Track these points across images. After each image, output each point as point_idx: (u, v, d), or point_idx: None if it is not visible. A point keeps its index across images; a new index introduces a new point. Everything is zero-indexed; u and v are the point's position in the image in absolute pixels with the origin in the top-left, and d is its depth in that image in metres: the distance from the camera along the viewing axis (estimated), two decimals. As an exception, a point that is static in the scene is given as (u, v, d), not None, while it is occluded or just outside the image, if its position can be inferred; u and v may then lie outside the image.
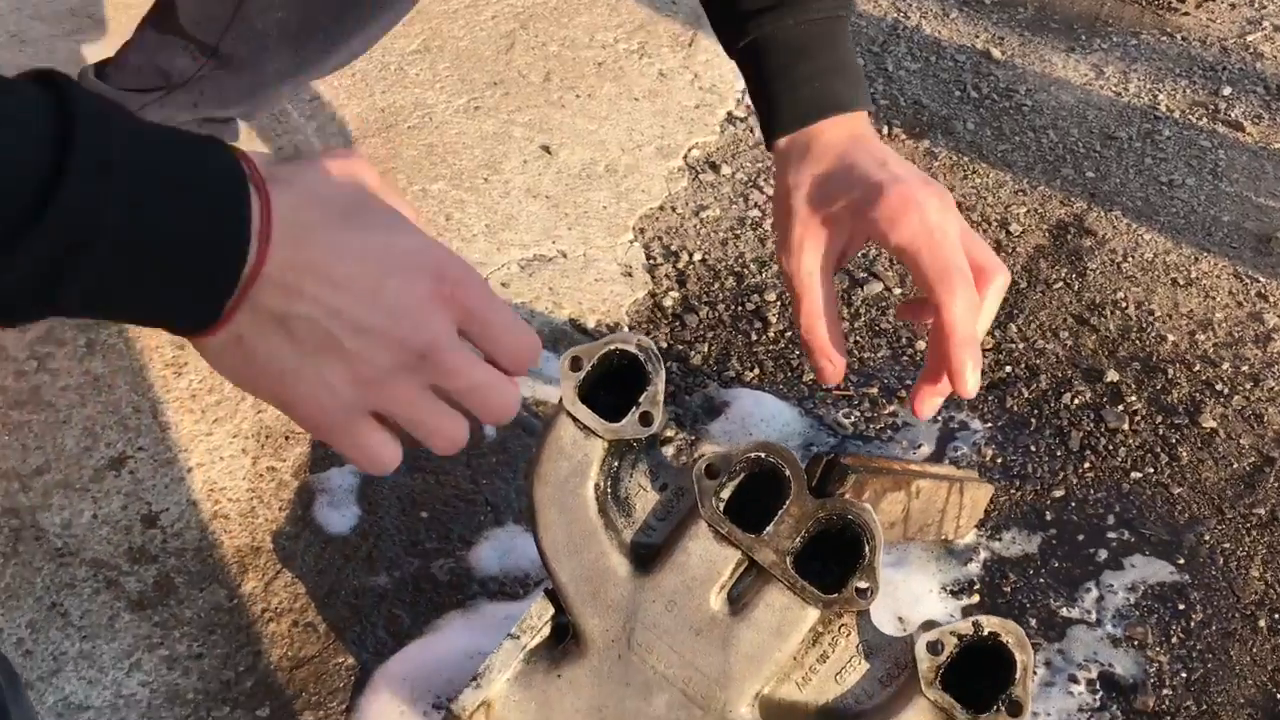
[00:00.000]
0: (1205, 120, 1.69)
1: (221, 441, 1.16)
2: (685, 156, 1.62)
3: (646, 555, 0.80)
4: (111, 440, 1.15)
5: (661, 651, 0.78)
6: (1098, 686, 1.00)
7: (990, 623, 0.72)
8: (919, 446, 1.22)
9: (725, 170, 1.59)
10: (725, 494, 0.77)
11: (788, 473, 0.76)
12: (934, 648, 0.72)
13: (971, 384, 0.78)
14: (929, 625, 0.80)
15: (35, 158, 0.46)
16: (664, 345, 1.33)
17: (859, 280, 1.43)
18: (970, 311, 0.77)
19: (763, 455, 0.76)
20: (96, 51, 1.58)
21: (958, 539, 1.11)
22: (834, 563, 0.77)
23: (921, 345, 1.34)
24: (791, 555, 0.76)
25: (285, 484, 1.13)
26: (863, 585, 0.74)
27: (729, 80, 1.73)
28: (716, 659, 0.77)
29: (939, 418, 1.25)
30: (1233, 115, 1.70)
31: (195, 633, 1.01)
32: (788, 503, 0.75)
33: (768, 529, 0.75)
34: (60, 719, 0.94)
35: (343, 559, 1.08)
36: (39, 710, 0.93)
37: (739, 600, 0.78)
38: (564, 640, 0.82)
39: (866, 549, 0.74)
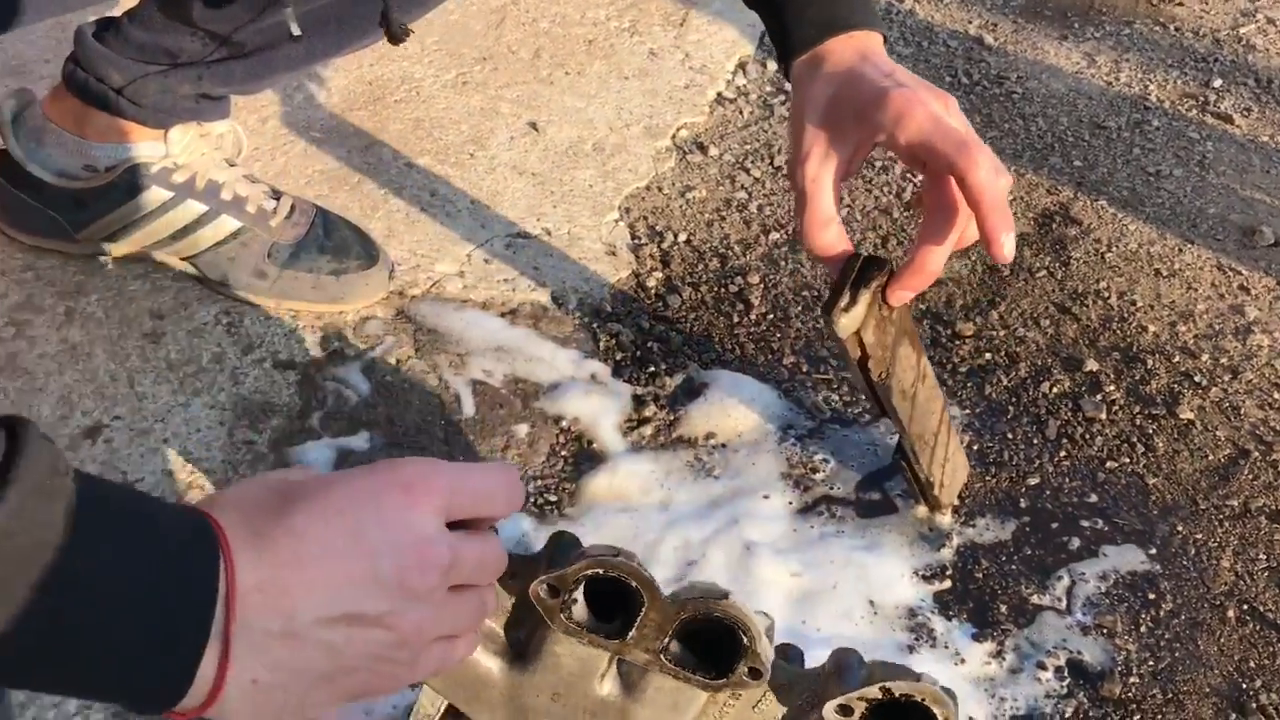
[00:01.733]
0: (1195, 111, 1.69)
1: (198, 412, 1.16)
2: (673, 136, 1.61)
3: (523, 646, 0.74)
4: (88, 409, 1.14)
5: None
6: (1065, 674, 1.00)
7: (900, 688, 0.69)
8: (895, 432, 1.22)
9: (713, 151, 1.58)
10: (575, 605, 0.69)
11: (634, 585, 0.68)
12: (844, 711, 0.70)
13: (1009, 248, 0.79)
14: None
15: None
16: (646, 325, 1.33)
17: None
18: (995, 175, 0.78)
19: (600, 571, 0.68)
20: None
21: (940, 511, 1.11)
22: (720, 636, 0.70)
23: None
24: (663, 652, 0.70)
25: (262, 456, 1.13)
26: (753, 667, 0.69)
27: (719, 60, 1.72)
28: None
29: (918, 403, 1.25)
30: (1222, 107, 1.70)
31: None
32: (643, 611, 0.68)
33: (631, 633, 0.68)
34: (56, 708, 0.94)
35: (317, 532, 1.08)
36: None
37: (627, 677, 0.73)
38: None
39: (745, 640, 0.68)
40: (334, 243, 1.26)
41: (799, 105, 0.88)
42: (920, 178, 0.89)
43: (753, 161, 1.57)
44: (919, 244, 0.86)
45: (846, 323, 0.87)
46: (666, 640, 0.69)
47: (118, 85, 1.14)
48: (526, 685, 0.73)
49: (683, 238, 1.46)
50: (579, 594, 0.69)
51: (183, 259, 1.25)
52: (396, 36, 1.01)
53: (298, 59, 1.16)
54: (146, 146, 1.18)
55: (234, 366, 1.21)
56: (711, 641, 0.70)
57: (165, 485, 1.09)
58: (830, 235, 0.87)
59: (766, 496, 1.15)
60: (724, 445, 1.20)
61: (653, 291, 1.38)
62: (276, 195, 1.25)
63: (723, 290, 1.39)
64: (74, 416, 1.14)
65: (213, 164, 1.22)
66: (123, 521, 0.48)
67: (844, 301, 0.87)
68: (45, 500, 0.45)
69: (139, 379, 1.18)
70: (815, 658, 0.99)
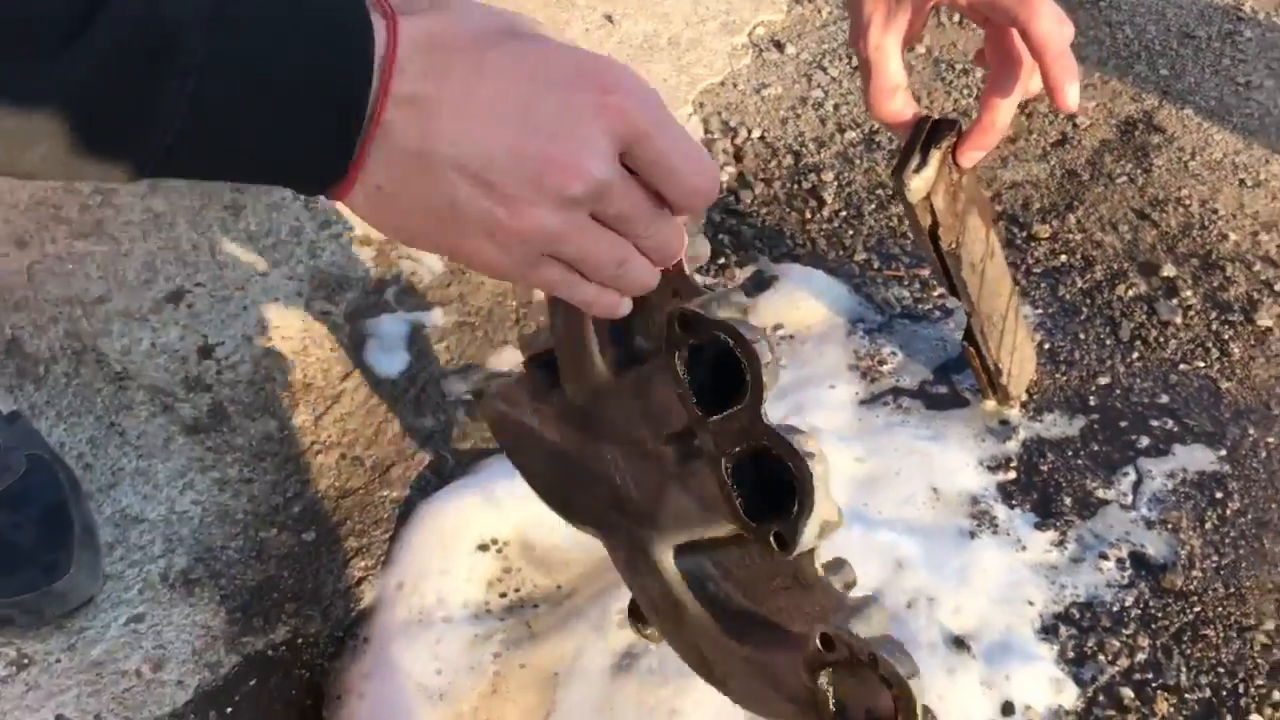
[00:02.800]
0: (1290, 23, 1.64)
1: (277, 282, 1.18)
2: (750, 34, 1.59)
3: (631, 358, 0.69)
4: (170, 275, 1.17)
5: (613, 443, 0.70)
6: (1127, 565, 1.01)
7: (885, 664, 0.61)
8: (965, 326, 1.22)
9: (790, 50, 1.57)
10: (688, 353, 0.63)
11: (748, 377, 0.62)
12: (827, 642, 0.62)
13: (1073, 97, 0.78)
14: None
15: None
16: (717, 219, 1.33)
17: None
18: (1058, 25, 0.77)
19: (730, 343, 0.60)
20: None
21: (1008, 403, 1.11)
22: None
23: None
24: (729, 459, 0.63)
25: (338, 326, 1.16)
26: (781, 534, 0.62)
27: (799, -41, 1.69)
28: (650, 489, 0.69)
29: (989, 301, 1.24)
30: (1319, 19, 1.64)
31: (246, 459, 1.04)
32: (738, 409, 0.62)
33: (714, 419, 0.63)
34: (118, 528, 0.98)
35: (391, 400, 1.10)
36: (98, 519, 0.97)
37: (687, 454, 0.67)
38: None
39: (795, 506, 0.61)
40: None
41: None
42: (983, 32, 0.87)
43: (830, 61, 1.55)
44: (985, 99, 0.86)
45: (918, 185, 0.87)
46: (739, 449, 0.63)
47: None
48: (615, 390, 0.68)
49: (756, 134, 1.45)
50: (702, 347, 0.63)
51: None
52: None
53: None
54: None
55: (311, 240, 1.23)
56: (777, 488, 0.63)
57: (244, 349, 1.12)
58: (898, 102, 0.87)
59: (833, 386, 1.15)
60: (792, 336, 1.20)
61: (724, 186, 1.38)
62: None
63: (795, 186, 1.38)
64: (157, 281, 1.17)
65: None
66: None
67: (914, 163, 0.87)
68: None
69: (220, 248, 1.20)
70: (877, 541, 1.00)
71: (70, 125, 0.42)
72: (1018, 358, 1.10)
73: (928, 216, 0.90)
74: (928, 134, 0.87)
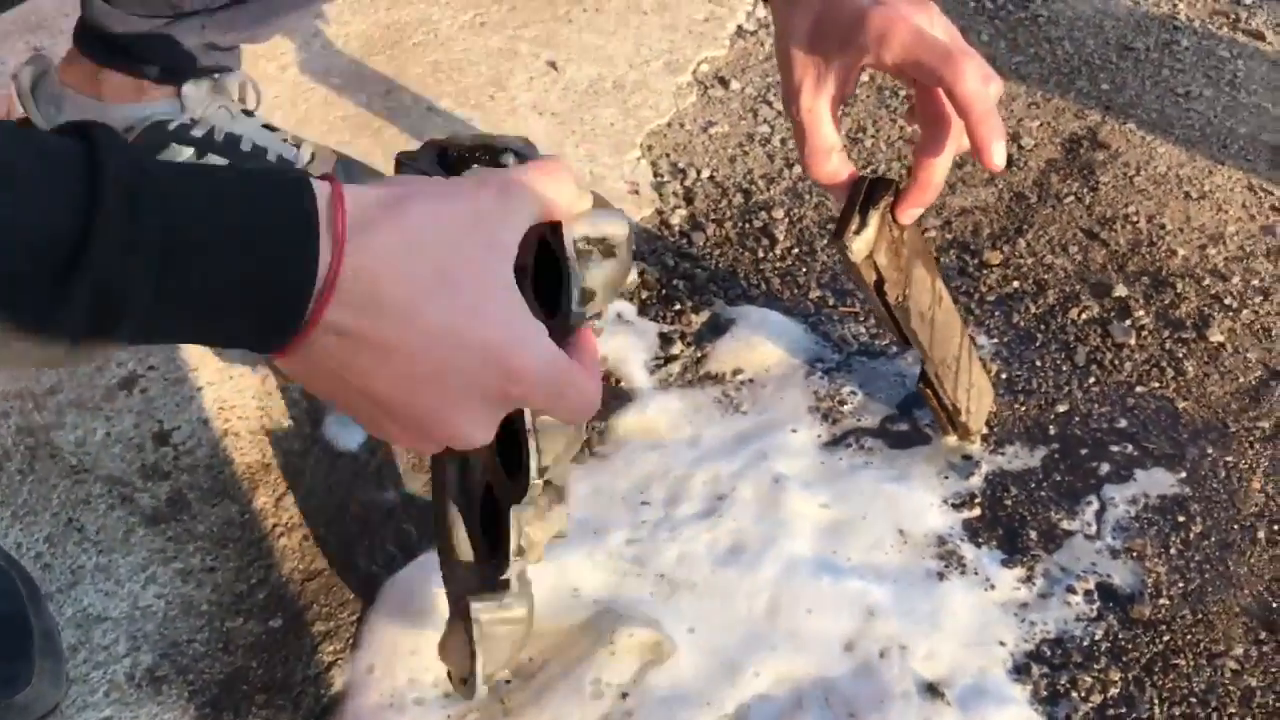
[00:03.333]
0: (1225, 29, 1.66)
1: (230, 359, 1.17)
2: (694, 71, 1.60)
3: None
4: (121, 359, 1.16)
5: None
6: (1095, 596, 1.01)
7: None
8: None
9: (734, 85, 1.57)
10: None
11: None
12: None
13: (999, 157, 0.78)
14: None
15: (64, 223, 0.44)
16: (671, 263, 1.33)
17: (867, 196, 1.42)
18: (983, 83, 0.77)
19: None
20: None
21: (969, 439, 1.11)
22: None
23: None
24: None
25: (295, 402, 1.15)
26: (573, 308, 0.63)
27: (738, -7, 1.70)
28: None
29: (945, 333, 1.25)
30: (1253, 24, 1.66)
31: (208, 547, 1.03)
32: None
33: None
34: (80, 629, 0.96)
35: (352, 475, 1.10)
36: (59, 620, 0.96)
37: None
38: None
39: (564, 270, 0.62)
40: (357, 189, 1.26)
41: (782, 35, 0.86)
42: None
43: (774, 95, 1.55)
44: (917, 159, 0.86)
45: (859, 246, 0.87)
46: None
47: (124, 43, 1.15)
48: None
49: (705, 174, 1.45)
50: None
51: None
52: None
53: (301, 0, 1.16)
54: (163, 104, 1.19)
55: (264, 315, 1.22)
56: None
57: (201, 432, 1.11)
58: (833, 163, 0.88)
59: (794, 430, 1.15)
60: (751, 380, 1.20)
61: (677, 229, 1.38)
62: (297, 143, 1.26)
63: (747, 225, 1.38)
64: (109, 368, 1.15)
65: (230, 116, 1.22)
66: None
67: (854, 225, 0.87)
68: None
69: (171, 330, 1.19)
70: (847, 589, 1.00)
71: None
72: (974, 393, 1.11)
73: (872, 274, 0.91)
74: (865, 194, 0.88)
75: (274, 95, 1.46)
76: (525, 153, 0.72)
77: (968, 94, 0.77)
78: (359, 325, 0.50)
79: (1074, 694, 0.94)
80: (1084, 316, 1.27)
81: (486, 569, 0.78)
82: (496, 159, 0.71)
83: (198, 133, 1.20)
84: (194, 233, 0.47)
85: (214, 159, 1.21)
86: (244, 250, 0.48)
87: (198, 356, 1.17)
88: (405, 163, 0.72)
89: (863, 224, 0.87)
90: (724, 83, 1.58)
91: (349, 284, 0.49)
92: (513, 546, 0.73)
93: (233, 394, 1.14)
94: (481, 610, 0.75)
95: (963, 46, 0.80)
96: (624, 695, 0.92)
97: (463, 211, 0.53)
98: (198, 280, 0.47)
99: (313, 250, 0.49)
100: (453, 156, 0.72)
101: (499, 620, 0.76)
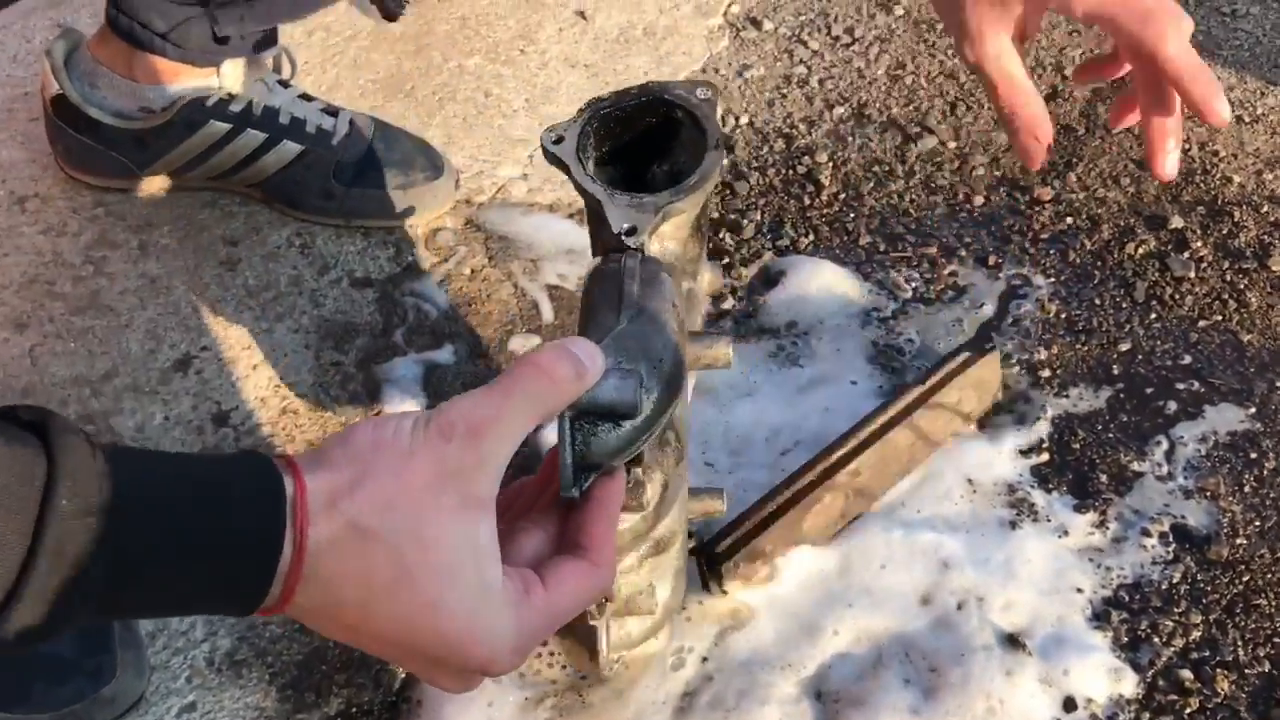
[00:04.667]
0: (1269, -58, 1.61)
1: (283, 337, 1.16)
2: (725, 14, 1.56)
3: None
4: (175, 341, 1.15)
5: None
6: (1170, 539, 1.00)
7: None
8: (981, 305, 1.20)
9: (767, 25, 1.53)
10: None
11: None
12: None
13: (1224, 110, 0.71)
14: None
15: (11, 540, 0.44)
16: (715, 215, 1.31)
17: (911, 135, 1.39)
18: (1188, 45, 0.69)
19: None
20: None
21: (974, 418, 1.08)
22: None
23: (979, 200, 1.31)
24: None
25: (350, 376, 1.14)
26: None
27: (766, -71, 1.66)
28: None
29: (1000, 275, 1.23)
30: (1299, -65, 1.61)
31: (277, 527, 1.03)
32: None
33: None
34: (185, 635, 0.97)
35: (413, 448, 1.09)
36: (135, 609, 0.96)
37: None
38: None
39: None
40: (397, 156, 1.24)
41: None
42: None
43: (809, 33, 1.52)
44: (1148, 123, 0.75)
45: None
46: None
47: (161, 30, 1.12)
48: None
49: (744, 120, 1.42)
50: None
51: (249, 186, 1.24)
52: (391, 14, 0.99)
53: None
54: (199, 81, 1.17)
55: (312, 289, 1.21)
56: None
57: (259, 411, 1.11)
58: (1031, 106, 0.75)
59: (854, 382, 1.14)
60: (806, 333, 1.19)
61: (719, 179, 1.36)
62: (333, 112, 1.23)
63: (790, 172, 1.36)
64: (162, 350, 1.15)
65: (267, 89, 1.20)
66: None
67: None
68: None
69: (221, 308, 1.18)
70: (920, 542, 1.00)
71: None
72: (970, 397, 1.07)
73: None
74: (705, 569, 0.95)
75: (303, 61, 1.43)
76: (692, 105, 0.75)
77: (1172, 58, 0.68)
78: (325, 614, 0.51)
79: (1155, 639, 0.93)
80: (1141, 251, 1.24)
81: None
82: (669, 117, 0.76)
83: (235, 108, 1.18)
84: (149, 543, 0.48)
85: (252, 133, 1.19)
86: (209, 558, 0.48)
87: (249, 335, 1.16)
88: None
89: None
90: (756, 23, 1.54)
91: (309, 587, 0.50)
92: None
93: (288, 372, 1.14)
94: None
95: (1163, 1, 0.69)
96: (704, 659, 0.92)
97: (420, 477, 0.50)
98: (154, 588, 0.49)
99: (272, 563, 0.49)
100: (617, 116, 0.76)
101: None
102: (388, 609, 0.51)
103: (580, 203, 1.32)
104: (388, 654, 0.54)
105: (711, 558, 0.95)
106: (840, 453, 0.99)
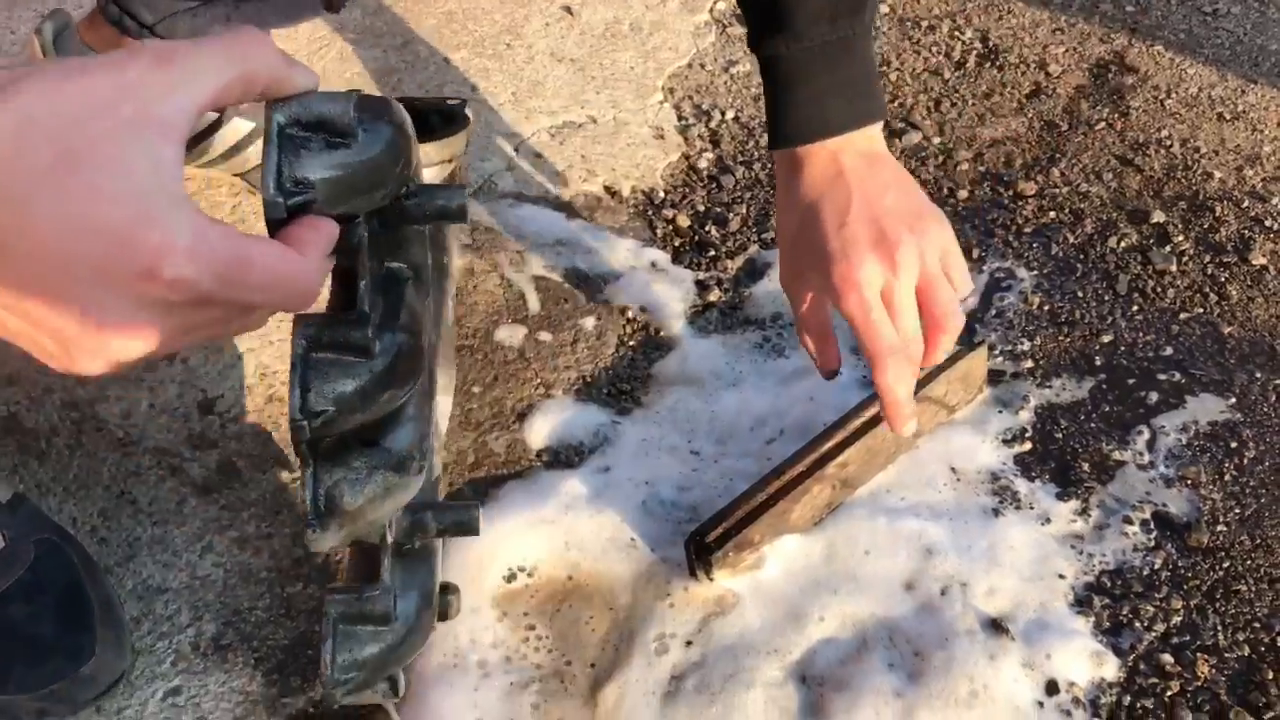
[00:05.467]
0: (1250, -56, 1.63)
1: (269, 326, 1.16)
2: (711, 10, 1.57)
3: None
4: (160, 330, 1.15)
5: None
6: (1152, 526, 1.01)
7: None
8: (964, 300, 1.21)
9: (753, 23, 1.54)
10: None
11: None
12: None
13: (906, 432, 0.89)
14: None
15: None
16: (702, 209, 1.32)
17: (897, 130, 1.40)
18: (900, 382, 0.86)
19: None
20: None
21: (959, 410, 1.09)
22: None
23: (963, 194, 1.32)
24: None
25: (336, 365, 1.14)
26: None
27: (752, -73, 1.67)
28: None
29: (985, 269, 1.24)
30: (1279, -63, 1.63)
31: (262, 513, 1.03)
32: None
33: None
34: (142, 601, 0.96)
35: (399, 436, 1.09)
36: (120, 593, 0.96)
37: None
38: None
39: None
40: (384, 146, 1.25)
41: (781, 209, 0.92)
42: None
43: (795, 31, 1.53)
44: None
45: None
46: None
47: (149, 22, 1.12)
48: None
49: (730, 115, 1.43)
50: None
51: (235, 175, 1.24)
52: (333, 5, 1.01)
53: None
54: (187, 67, 1.17)
55: (298, 278, 1.21)
56: None
57: (245, 399, 1.11)
58: (830, 350, 0.94)
59: (839, 372, 1.14)
60: (791, 324, 1.19)
61: (705, 173, 1.36)
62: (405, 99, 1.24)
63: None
64: (147, 339, 1.15)
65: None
66: None
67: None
68: None
69: (206, 297, 1.18)
70: (903, 529, 1.00)
71: None
72: (956, 388, 1.08)
73: None
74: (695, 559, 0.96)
75: (290, 54, 1.43)
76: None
77: (882, 387, 0.86)
78: None
79: (1137, 624, 0.94)
80: (1123, 244, 1.25)
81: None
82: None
83: (222, 96, 1.18)
84: None
85: (240, 122, 1.19)
86: None
87: (235, 323, 1.16)
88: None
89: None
90: (743, 19, 1.55)
91: None
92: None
93: (274, 360, 1.14)
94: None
95: (891, 342, 0.84)
96: (688, 644, 0.93)
97: (98, 86, 0.46)
98: None
99: None
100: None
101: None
102: (48, 203, 0.45)
103: (569, 195, 1.32)
104: (46, 280, 0.47)
105: (702, 547, 0.95)
106: (829, 444, 1.00)
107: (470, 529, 0.79)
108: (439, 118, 1.19)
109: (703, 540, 0.95)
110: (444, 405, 0.84)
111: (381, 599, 0.72)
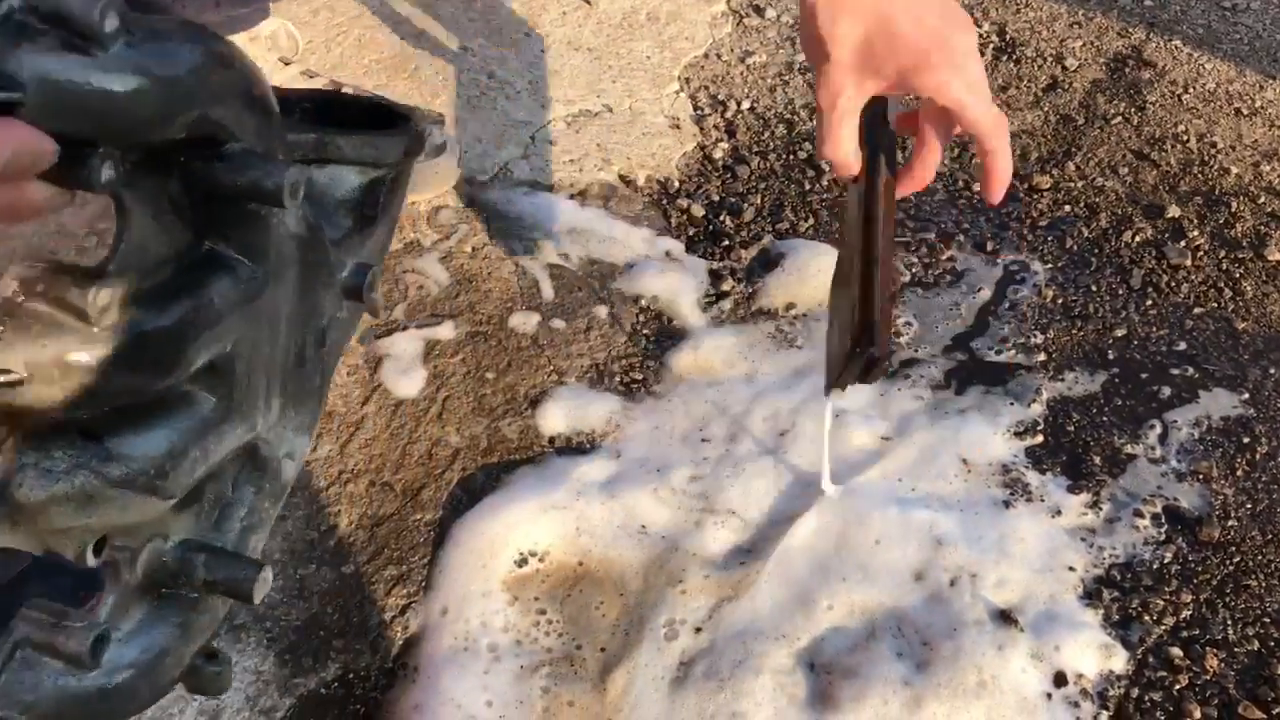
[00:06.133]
0: (1270, -61, 1.62)
1: (285, 310, 1.17)
2: (728, 1, 1.57)
3: None
4: (177, 313, 1.16)
5: None
6: (1162, 520, 1.01)
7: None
8: (978, 290, 1.21)
9: (770, 13, 1.54)
10: None
11: None
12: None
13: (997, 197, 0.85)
14: None
15: None
16: (716, 198, 1.32)
17: (912, 123, 1.40)
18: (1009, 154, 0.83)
19: None
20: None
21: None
22: None
23: (978, 187, 1.32)
24: None
25: (351, 350, 1.15)
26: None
27: (770, -82, 1.67)
28: None
29: (998, 261, 1.24)
30: (1299, -68, 1.62)
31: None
32: None
33: None
34: (156, 581, 0.97)
35: (414, 421, 1.10)
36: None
37: None
38: None
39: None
40: (401, 133, 1.25)
41: (819, 38, 0.81)
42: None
43: (812, 22, 1.53)
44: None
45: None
46: None
47: (138, 7, 1.13)
48: None
49: (746, 105, 1.43)
50: None
51: None
52: None
53: None
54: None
55: (314, 263, 1.21)
56: None
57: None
58: (852, 159, 0.86)
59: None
60: (805, 315, 1.20)
61: (720, 163, 1.36)
62: (337, 89, 1.24)
63: (791, 157, 1.37)
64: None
65: (267, 67, 1.21)
66: None
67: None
68: None
69: (223, 281, 1.19)
70: (914, 520, 1.01)
71: None
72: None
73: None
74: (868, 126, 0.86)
75: (307, 40, 1.44)
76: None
77: (1001, 154, 0.82)
78: None
79: (1146, 617, 0.94)
80: (1138, 239, 1.25)
81: None
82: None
83: (240, 81, 1.18)
84: None
85: (257, 107, 1.19)
86: None
87: (251, 307, 1.17)
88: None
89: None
90: (759, 10, 1.55)
91: None
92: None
93: (289, 343, 1.14)
94: None
95: (993, 120, 0.81)
96: (698, 630, 0.93)
97: None
98: None
99: None
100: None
101: None
102: None
103: (584, 183, 1.33)
104: None
105: (871, 361, 0.87)
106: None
107: (243, 594, 0.60)
108: (377, 117, 1.12)
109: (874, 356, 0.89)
110: (296, 444, 0.70)
111: (80, 635, 0.55)
